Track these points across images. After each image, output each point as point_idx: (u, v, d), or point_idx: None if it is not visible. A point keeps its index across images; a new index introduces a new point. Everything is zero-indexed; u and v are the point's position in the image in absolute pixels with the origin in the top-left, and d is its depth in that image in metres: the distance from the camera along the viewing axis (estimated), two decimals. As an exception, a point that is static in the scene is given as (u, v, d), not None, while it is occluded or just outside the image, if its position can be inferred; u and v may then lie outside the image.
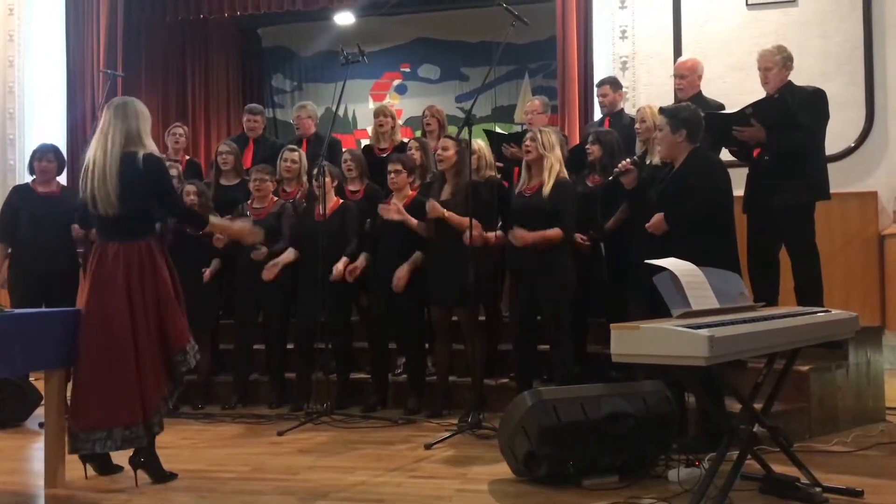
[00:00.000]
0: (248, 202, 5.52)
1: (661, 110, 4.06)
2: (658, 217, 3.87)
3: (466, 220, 4.56)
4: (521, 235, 4.40)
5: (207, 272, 5.37)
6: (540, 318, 4.56)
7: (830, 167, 4.68)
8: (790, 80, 4.60)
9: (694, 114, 3.92)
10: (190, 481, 3.62)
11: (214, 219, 4.07)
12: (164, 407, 3.60)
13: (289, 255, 5.24)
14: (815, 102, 4.50)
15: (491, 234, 4.78)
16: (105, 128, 3.58)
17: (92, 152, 3.58)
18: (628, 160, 4.30)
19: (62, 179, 5.60)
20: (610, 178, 4.46)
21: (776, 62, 4.57)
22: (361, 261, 5.12)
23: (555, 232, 4.38)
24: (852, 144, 6.34)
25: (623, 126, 5.39)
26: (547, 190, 4.42)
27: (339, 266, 5.06)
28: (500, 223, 4.93)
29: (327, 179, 5.14)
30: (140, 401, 3.48)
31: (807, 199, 4.48)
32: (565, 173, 4.53)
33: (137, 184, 3.53)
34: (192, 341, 3.64)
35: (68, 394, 3.68)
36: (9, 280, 5.23)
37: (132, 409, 3.46)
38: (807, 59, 5.72)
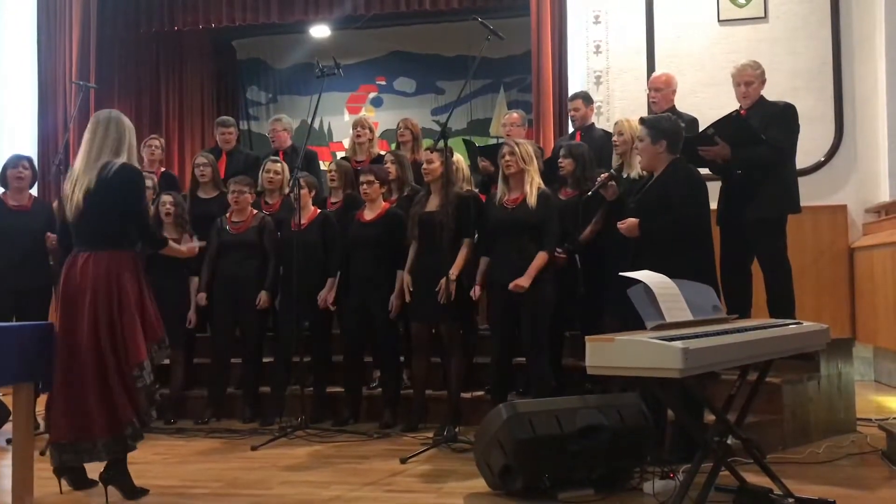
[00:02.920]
0: (227, 215, 5.48)
1: (642, 121, 4.08)
2: (632, 221, 3.89)
3: (462, 257, 4.68)
4: (518, 284, 4.36)
5: (192, 317, 5.36)
6: (518, 331, 4.55)
7: (801, 181, 4.75)
8: (762, 95, 4.67)
9: (674, 125, 3.97)
10: (162, 497, 3.56)
11: (173, 244, 3.99)
12: (137, 423, 3.50)
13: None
14: (785, 117, 4.56)
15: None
16: (90, 139, 3.58)
17: (78, 161, 3.58)
18: (606, 173, 4.32)
19: (33, 192, 5.52)
20: (589, 192, 4.46)
21: (757, 76, 4.65)
22: (327, 292, 5.15)
23: (541, 259, 4.39)
24: (822, 159, 6.44)
25: (594, 140, 5.43)
26: (532, 201, 4.43)
27: (324, 294, 5.13)
28: (476, 236, 4.94)
29: (304, 191, 5.13)
30: (108, 417, 3.43)
31: (778, 212, 4.53)
32: (544, 185, 4.55)
33: (106, 191, 3.49)
34: (148, 360, 3.52)
35: (37, 408, 3.63)
36: None
37: (99, 424, 3.42)
38: (777, 74, 5.80)
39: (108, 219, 3.53)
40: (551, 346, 4.65)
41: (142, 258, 3.76)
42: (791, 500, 3.19)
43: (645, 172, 4.15)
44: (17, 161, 5.23)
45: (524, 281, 4.36)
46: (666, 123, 3.95)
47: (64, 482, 3.57)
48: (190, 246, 4.15)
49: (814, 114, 6.18)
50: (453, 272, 4.66)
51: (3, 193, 5.26)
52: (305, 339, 5.10)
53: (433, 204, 4.85)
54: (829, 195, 6.40)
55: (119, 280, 3.50)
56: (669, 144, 3.89)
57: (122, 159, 3.56)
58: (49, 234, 5.10)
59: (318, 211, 5.33)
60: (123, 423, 3.45)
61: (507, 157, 4.52)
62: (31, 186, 5.32)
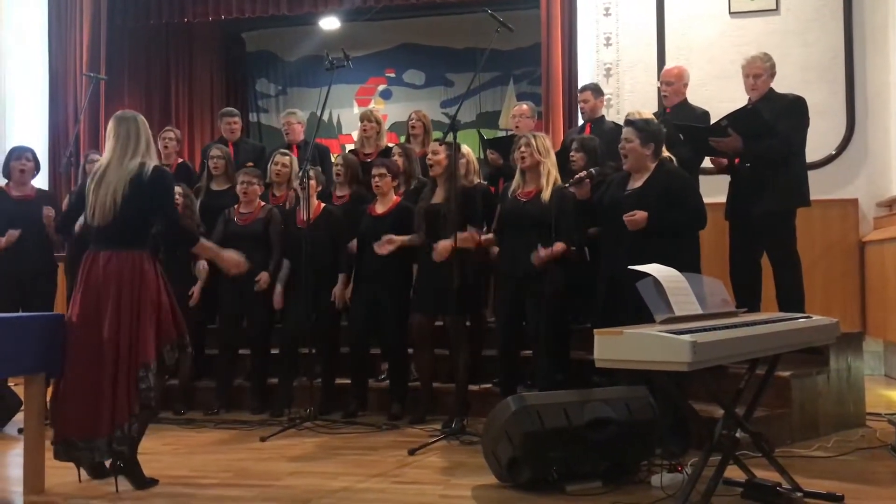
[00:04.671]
0: (235, 207, 5.48)
1: (630, 122, 4.12)
2: (642, 214, 3.87)
3: (467, 237, 4.63)
4: (539, 257, 4.27)
5: (196, 292, 5.34)
6: (525, 323, 4.54)
7: (811, 174, 4.72)
8: (771, 87, 4.65)
9: (660, 128, 4.10)
10: (171, 487, 3.59)
11: (205, 241, 4.03)
12: (132, 426, 3.49)
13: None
14: (795, 110, 4.54)
15: (483, 237, 4.74)
16: (115, 140, 3.61)
17: (107, 160, 3.60)
18: (585, 172, 4.33)
19: (41, 183, 5.55)
20: (567, 185, 4.41)
21: (766, 69, 4.62)
22: (341, 290, 5.16)
23: (561, 247, 4.31)
24: (833, 152, 6.40)
25: (604, 132, 5.41)
26: (547, 195, 4.39)
27: (339, 290, 5.14)
28: (484, 228, 4.93)
29: (312, 182, 5.14)
30: (110, 414, 3.44)
31: (787, 206, 4.51)
32: (560, 178, 4.52)
33: (140, 194, 3.54)
34: (156, 362, 3.53)
35: (47, 399, 3.66)
36: None
37: (104, 421, 3.43)
38: (788, 67, 5.77)
39: (141, 221, 3.61)
40: (560, 339, 4.63)
41: (160, 255, 3.80)
42: (799, 494, 3.18)
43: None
44: (20, 154, 5.27)
45: (544, 253, 4.24)
46: (654, 126, 4.07)
47: (83, 471, 3.59)
48: (238, 260, 3.97)
49: (825, 106, 6.15)
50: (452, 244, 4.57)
51: (7, 184, 5.31)
52: (313, 330, 5.10)
53: (439, 196, 4.85)
54: (840, 189, 6.37)
55: (143, 277, 3.54)
56: (657, 147, 3.99)
57: (154, 161, 3.63)
58: (46, 211, 5.12)
59: (323, 205, 5.33)
60: (116, 425, 3.44)
61: (523, 149, 4.48)
62: (33, 177, 5.34)
